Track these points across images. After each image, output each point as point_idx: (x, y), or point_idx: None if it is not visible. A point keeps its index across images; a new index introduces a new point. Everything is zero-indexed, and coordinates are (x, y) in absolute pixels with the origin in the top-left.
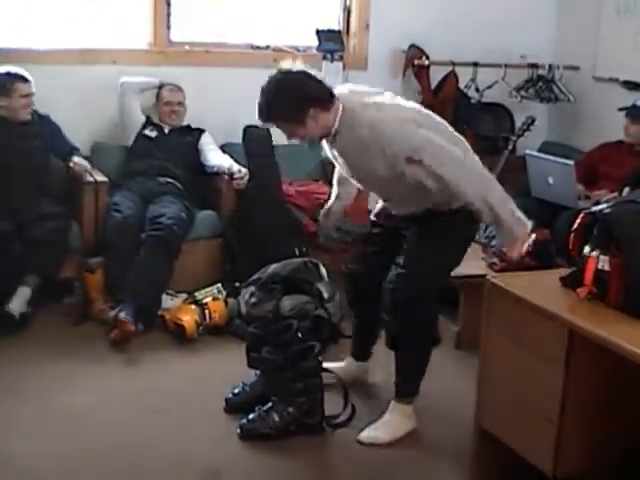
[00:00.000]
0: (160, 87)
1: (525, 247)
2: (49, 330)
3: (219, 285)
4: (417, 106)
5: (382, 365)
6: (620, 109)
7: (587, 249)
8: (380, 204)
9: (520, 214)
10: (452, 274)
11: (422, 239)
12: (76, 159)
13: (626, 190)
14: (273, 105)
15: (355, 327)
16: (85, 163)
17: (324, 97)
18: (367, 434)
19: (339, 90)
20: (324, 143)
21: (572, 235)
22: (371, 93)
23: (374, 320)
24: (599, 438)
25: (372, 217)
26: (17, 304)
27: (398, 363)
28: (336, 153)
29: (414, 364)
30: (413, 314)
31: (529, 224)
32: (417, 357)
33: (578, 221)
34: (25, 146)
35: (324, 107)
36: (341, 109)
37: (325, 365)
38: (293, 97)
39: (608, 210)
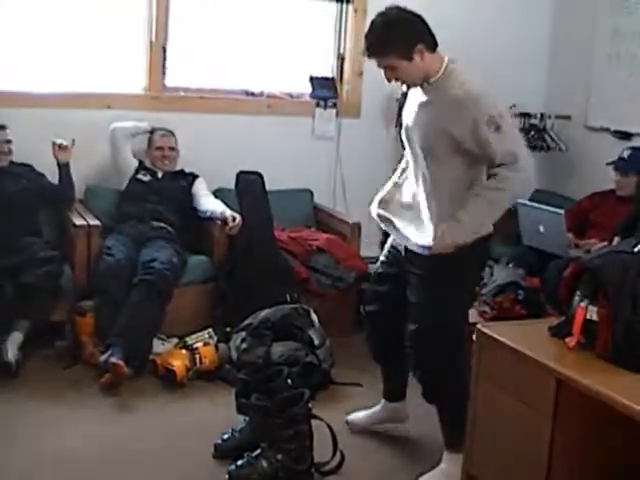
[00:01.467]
0: (152, 132)
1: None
2: (39, 374)
3: (210, 330)
4: None
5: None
6: (608, 164)
7: (576, 299)
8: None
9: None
10: None
11: (426, 289)
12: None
13: (616, 240)
14: (385, 38)
15: (383, 372)
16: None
17: (431, 37)
18: None
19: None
20: (412, 95)
21: (561, 284)
22: None
23: (400, 360)
24: None
25: (381, 257)
26: (12, 352)
27: (439, 414)
28: (417, 108)
29: (454, 413)
30: (436, 364)
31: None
32: (456, 406)
33: (567, 270)
34: (10, 186)
35: (430, 47)
36: (446, 62)
37: (361, 413)
38: (405, 30)
39: (597, 260)
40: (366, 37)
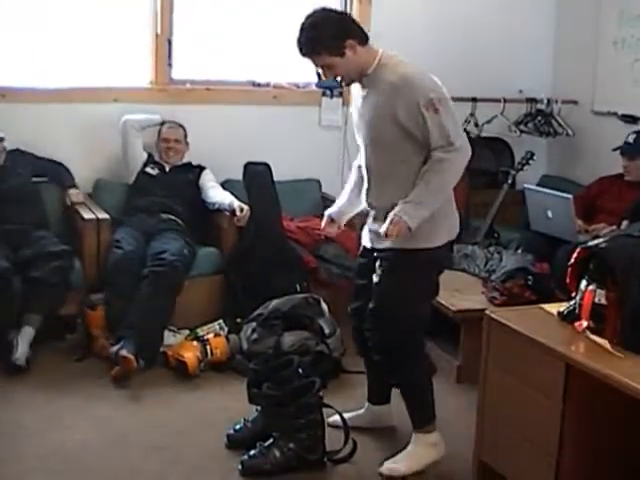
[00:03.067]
0: (161, 124)
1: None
2: (51, 367)
3: (220, 321)
4: None
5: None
6: (614, 149)
7: (584, 283)
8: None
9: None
10: (453, 309)
11: (389, 274)
12: (71, 191)
13: (624, 224)
14: (314, 38)
15: (367, 370)
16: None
17: (361, 32)
18: (387, 466)
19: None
20: (355, 91)
21: (569, 269)
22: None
23: None
24: (598, 471)
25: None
26: (22, 350)
27: (402, 395)
28: (360, 103)
29: (415, 394)
30: (393, 348)
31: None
32: (416, 387)
33: (575, 255)
34: (9, 179)
35: (361, 41)
36: (380, 54)
37: (345, 415)
38: (332, 28)
39: (604, 244)
40: (298, 40)
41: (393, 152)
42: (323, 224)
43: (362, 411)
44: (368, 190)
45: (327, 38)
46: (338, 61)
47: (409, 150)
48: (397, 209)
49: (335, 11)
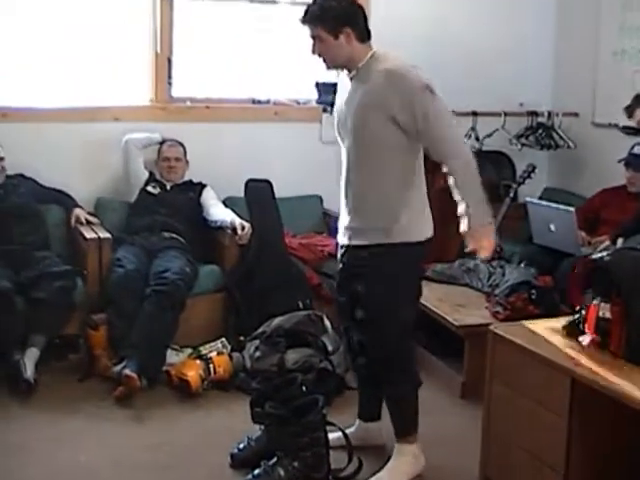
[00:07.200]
0: (162, 143)
1: (488, 247)
2: (54, 387)
3: (223, 339)
4: None
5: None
6: (619, 161)
7: (588, 297)
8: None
9: (485, 207)
10: (457, 324)
11: (372, 276)
12: (77, 211)
13: (620, 241)
14: (320, 9)
15: (359, 385)
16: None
17: (364, 29)
18: None
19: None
20: (342, 86)
21: (572, 283)
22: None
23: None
24: None
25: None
26: (30, 370)
27: (387, 406)
28: (347, 96)
29: (401, 405)
30: (380, 357)
31: (490, 221)
32: (402, 399)
33: (577, 269)
34: (12, 198)
35: (360, 36)
36: (375, 50)
37: (335, 434)
38: (340, 9)
39: (608, 257)
40: (309, 5)
41: (376, 142)
42: None
43: (352, 428)
44: (347, 182)
45: (330, 15)
46: (329, 40)
47: (394, 143)
48: (468, 221)
49: (356, 3)
